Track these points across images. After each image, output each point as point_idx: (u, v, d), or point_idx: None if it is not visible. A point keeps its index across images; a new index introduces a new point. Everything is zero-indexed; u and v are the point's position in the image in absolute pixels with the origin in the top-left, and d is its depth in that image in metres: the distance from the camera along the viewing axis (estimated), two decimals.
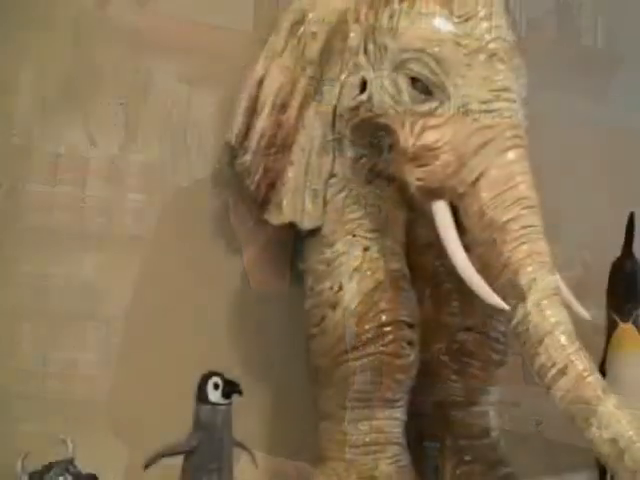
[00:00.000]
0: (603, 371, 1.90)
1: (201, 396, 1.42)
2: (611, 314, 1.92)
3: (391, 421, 1.63)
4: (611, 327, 1.92)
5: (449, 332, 1.78)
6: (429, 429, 1.79)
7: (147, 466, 1.41)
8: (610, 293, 1.93)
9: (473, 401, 1.77)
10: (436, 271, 1.79)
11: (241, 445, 1.47)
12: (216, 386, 1.42)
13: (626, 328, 1.90)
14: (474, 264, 1.55)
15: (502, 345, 1.77)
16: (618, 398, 1.41)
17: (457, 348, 1.77)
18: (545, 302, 1.45)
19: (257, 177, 1.72)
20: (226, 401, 1.42)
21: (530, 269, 1.47)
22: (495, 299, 1.50)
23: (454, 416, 1.77)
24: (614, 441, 1.37)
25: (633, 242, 1.91)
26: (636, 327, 1.90)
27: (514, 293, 1.47)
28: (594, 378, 1.41)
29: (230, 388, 1.42)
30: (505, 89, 1.55)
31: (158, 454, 1.41)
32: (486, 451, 1.76)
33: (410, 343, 1.64)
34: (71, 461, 1.30)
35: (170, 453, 1.41)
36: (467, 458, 1.75)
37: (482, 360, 1.77)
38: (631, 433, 1.37)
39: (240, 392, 1.43)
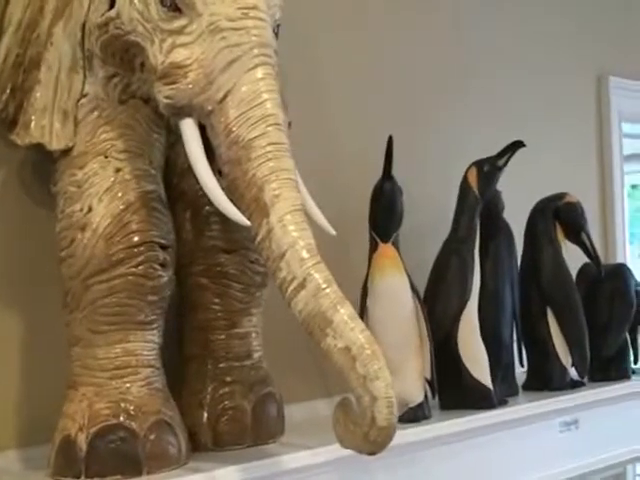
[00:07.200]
0: (366, 288, 1.96)
1: None
2: (373, 235, 1.97)
3: (144, 344, 1.60)
4: (373, 247, 1.97)
5: (209, 255, 1.76)
6: (190, 352, 1.79)
7: None
8: (372, 215, 1.97)
9: (234, 324, 1.76)
10: (197, 194, 1.76)
11: None
12: None
13: (385, 247, 1.95)
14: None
15: (263, 267, 1.75)
16: (352, 308, 1.43)
17: (217, 271, 1.76)
18: (288, 217, 1.46)
19: (4, 97, 1.67)
20: None
21: (274, 185, 1.47)
22: (237, 215, 1.50)
23: (215, 339, 1.76)
24: (347, 349, 1.39)
25: (392, 165, 1.96)
26: (395, 247, 1.96)
27: (258, 209, 1.47)
28: (331, 290, 1.42)
29: None
30: (254, 7, 1.54)
31: None
32: (247, 372, 1.76)
33: (163, 265, 1.62)
34: None
35: None
36: (228, 379, 1.74)
37: (243, 282, 1.76)
38: (363, 340, 1.39)
39: None
